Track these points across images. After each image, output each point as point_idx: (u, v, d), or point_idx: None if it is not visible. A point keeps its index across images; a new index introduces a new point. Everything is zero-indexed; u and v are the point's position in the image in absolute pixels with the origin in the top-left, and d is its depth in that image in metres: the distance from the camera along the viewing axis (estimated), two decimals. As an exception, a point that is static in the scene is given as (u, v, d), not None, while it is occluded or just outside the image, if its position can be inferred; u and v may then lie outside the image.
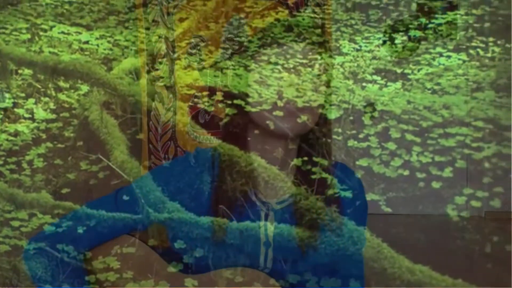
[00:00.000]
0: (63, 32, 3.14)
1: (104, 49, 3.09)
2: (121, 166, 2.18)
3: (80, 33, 3.15)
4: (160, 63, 2.74)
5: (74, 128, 2.88)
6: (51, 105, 3.00)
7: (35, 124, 2.95)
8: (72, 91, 2.97)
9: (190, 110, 2.67)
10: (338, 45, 2.45)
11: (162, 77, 2.71)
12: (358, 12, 2.57)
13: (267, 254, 2.03)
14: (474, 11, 2.80)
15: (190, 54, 2.75)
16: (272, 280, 1.99)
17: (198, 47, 2.76)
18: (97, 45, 3.10)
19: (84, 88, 2.88)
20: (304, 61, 2.11)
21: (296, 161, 2.08)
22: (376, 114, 2.77)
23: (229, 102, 2.13)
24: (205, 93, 2.67)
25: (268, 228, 2.05)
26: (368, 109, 2.73)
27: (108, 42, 3.13)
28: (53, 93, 2.99)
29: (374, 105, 2.73)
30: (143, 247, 2.05)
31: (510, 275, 2.14)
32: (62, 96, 2.98)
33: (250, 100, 2.05)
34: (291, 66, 2.09)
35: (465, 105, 2.39)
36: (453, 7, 2.77)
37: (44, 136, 2.93)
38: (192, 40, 2.76)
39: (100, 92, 2.67)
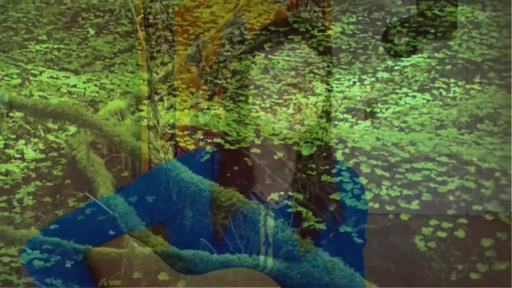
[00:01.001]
0: (52, 77, 3.15)
1: (91, 92, 3.10)
2: (107, 202, 2.18)
3: (68, 77, 3.17)
4: (145, 104, 2.76)
5: (62, 167, 2.88)
6: (41, 146, 3.00)
7: (25, 163, 2.94)
8: (60, 132, 2.97)
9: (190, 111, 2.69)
10: (311, 86, 2.48)
11: (146, 117, 2.72)
12: (329, 55, 2.61)
13: (267, 254, 2.03)
14: (436, 55, 2.85)
15: (191, 56, 2.76)
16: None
17: (198, 47, 2.78)
18: (84, 88, 3.11)
19: (72, 129, 2.88)
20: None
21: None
22: (377, 110, 2.80)
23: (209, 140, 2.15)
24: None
25: (268, 228, 2.05)
26: (368, 109, 2.77)
27: (95, 85, 3.15)
28: (42, 134, 2.99)
29: (373, 105, 2.76)
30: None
31: (510, 275, 2.14)
32: (50, 137, 2.98)
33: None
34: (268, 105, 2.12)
35: (430, 141, 2.42)
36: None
37: (33, 175, 2.92)
38: (192, 41, 2.78)
39: (87, 132, 2.68)
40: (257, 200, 2.10)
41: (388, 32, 2.86)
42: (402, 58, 2.79)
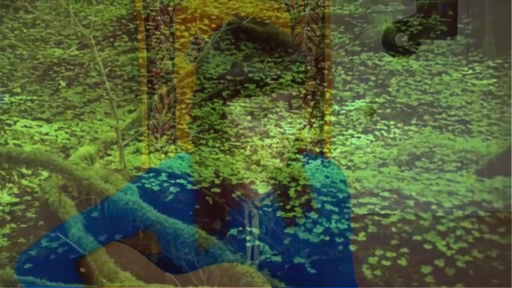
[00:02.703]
0: (25, 126, 3.14)
1: (62, 139, 3.09)
2: (78, 241, 2.17)
3: (41, 126, 3.16)
4: (112, 149, 2.76)
5: (35, 209, 2.85)
6: (15, 190, 2.97)
7: (1, 207, 2.91)
8: (34, 177, 2.95)
9: (188, 109, 2.67)
10: (266, 129, 2.51)
11: (113, 161, 2.72)
12: (282, 101, 2.65)
13: (254, 248, 2.02)
14: (377, 99, 2.93)
15: (190, 56, 2.76)
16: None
17: (198, 44, 2.77)
18: (56, 136, 3.11)
19: (44, 174, 2.87)
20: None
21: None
22: (375, 117, 2.83)
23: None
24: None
25: (253, 224, 2.05)
26: (368, 111, 2.79)
27: (66, 132, 3.15)
28: (17, 179, 2.97)
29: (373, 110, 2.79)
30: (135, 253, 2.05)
31: (510, 275, 2.16)
32: (24, 182, 2.96)
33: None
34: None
35: (374, 178, 2.47)
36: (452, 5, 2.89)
37: (8, 218, 2.88)
38: (192, 39, 2.78)
39: (58, 177, 2.66)
40: (241, 201, 2.11)
41: (388, 35, 2.92)
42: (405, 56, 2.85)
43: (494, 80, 3.02)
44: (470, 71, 3.10)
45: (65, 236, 2.16)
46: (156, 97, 2.78)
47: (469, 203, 2.36)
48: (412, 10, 3.06)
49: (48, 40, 3.67)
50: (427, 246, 2.29)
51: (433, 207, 2.37)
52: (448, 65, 3.10)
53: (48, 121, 3.24)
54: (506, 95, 2.94)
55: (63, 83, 3.45)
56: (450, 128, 2.90)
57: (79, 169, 2.55)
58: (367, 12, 3.10)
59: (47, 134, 3.11)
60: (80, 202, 2.59)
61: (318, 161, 2.65)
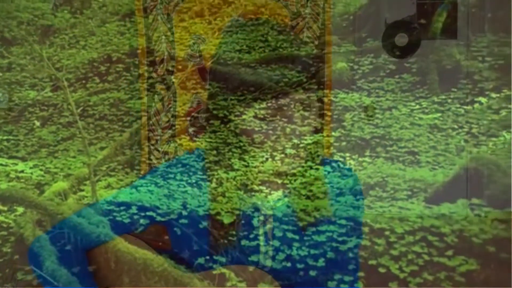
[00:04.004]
0: (1, 164, 3.14)
1: (37, 176, 3.09)
2: (52, 274, 2.16)
3: (16, 164, 3.16)
4: (85, 184, 2.76)
5: (11, 244, 2.83)
6: (-9, 227, 2.96)
7: (-23, 243, 2.88)
8: (9, 213, 2.93)
9: (189, 110, 2.66)
10: (230, 163, 2.54)
11: (86, 196, 2.73)
12: (245, 136, 2.69)
13: (266, 252, 2.03)
14: (333, 133, 2.99)
15: (191, 56, 2.75)
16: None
17: (198, 46, 2.78)
18: (31, 173, 3.11)
19: (20, 209, 2.86)
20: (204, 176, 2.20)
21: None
22: (372, 113, 2.87)
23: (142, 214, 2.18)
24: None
25: (267, 226, 2.06)
26: (369, 108, 2.83)
27: (40, 170, 3.15)
28: (-8, 216, 2.96)
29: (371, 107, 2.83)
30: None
31: (510, 275, 2.19)
32: (0, 218, 2.94)
33: None
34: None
35: (331, 207, 2.52)
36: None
37: (-16, 252, 2.86)
38: (193, 40, 2.78)
39: (33, 212, 2.66)
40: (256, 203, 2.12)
41: (388, 33, 2.98)
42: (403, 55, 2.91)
43: (439, 114, 3.12)
44: (417, 106, 3.20)
45: (39, 269, 2.16)
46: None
47: (419, 229, 2.42)
48: (364, 51, 3.17)
49: (23, 83, 3.69)
50: (381, 270, 2.34)
51: (387, 233, 2.43)
52: (397, 101, 3.20)
53: (23, 159, 3.24)
54: (450, 128, 3.04)
55: (37, 123, 3.45)
56: (400, 159, 2.98)
57: (53, 204, 2.55)
58: (322, 53, 3.19)
59: (22, 171, 3.10)
60: (54, 236, 2.59)
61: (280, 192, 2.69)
